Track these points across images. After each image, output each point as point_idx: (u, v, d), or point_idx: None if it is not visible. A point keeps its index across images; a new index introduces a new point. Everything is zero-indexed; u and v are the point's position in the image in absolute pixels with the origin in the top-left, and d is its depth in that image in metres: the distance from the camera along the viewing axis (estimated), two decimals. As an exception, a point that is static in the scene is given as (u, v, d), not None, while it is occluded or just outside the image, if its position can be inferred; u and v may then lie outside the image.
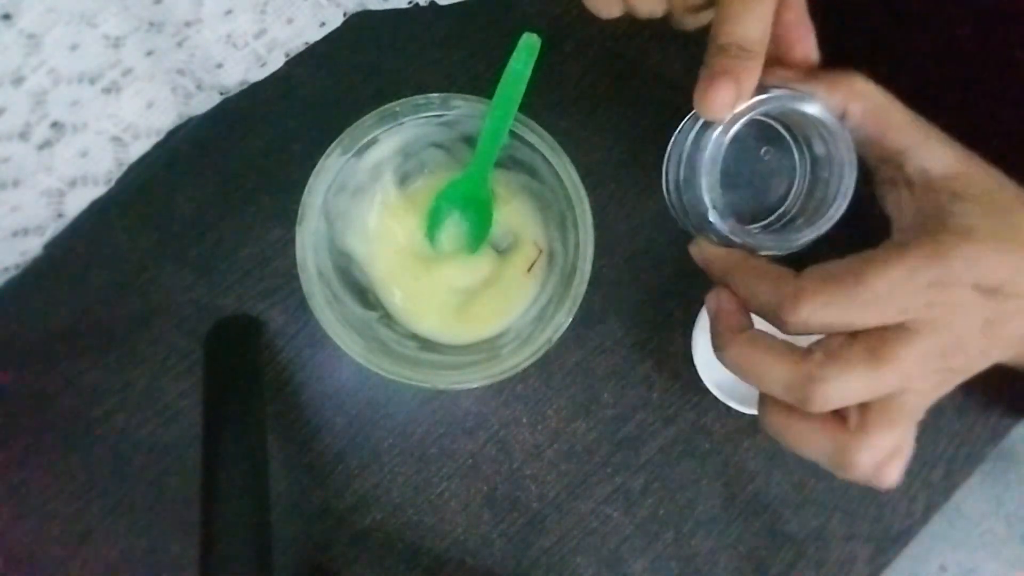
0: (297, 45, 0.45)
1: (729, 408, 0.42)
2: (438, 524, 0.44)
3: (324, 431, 0.44)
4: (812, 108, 0.31)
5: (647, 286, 0.46)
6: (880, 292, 0.29)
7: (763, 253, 0.33)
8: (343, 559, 0.44)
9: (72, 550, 0.43)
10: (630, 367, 0.45)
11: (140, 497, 0.43)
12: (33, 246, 0.43)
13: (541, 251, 0.43)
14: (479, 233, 0.42)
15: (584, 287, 0.37)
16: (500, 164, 0.42)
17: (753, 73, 0.30)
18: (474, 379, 0.37)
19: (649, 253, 0.46)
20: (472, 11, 0.47)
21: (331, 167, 0.38)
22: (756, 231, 0.34)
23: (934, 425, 0.45)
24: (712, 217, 0.32)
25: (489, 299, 0.42)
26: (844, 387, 0.29)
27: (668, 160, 0.35)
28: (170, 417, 0.44)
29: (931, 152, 0.31)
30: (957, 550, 1.17)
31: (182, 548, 0.43)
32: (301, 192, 0.38)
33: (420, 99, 0.38)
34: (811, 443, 0.30)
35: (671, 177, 0.35)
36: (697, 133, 0.33)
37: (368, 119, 0.38)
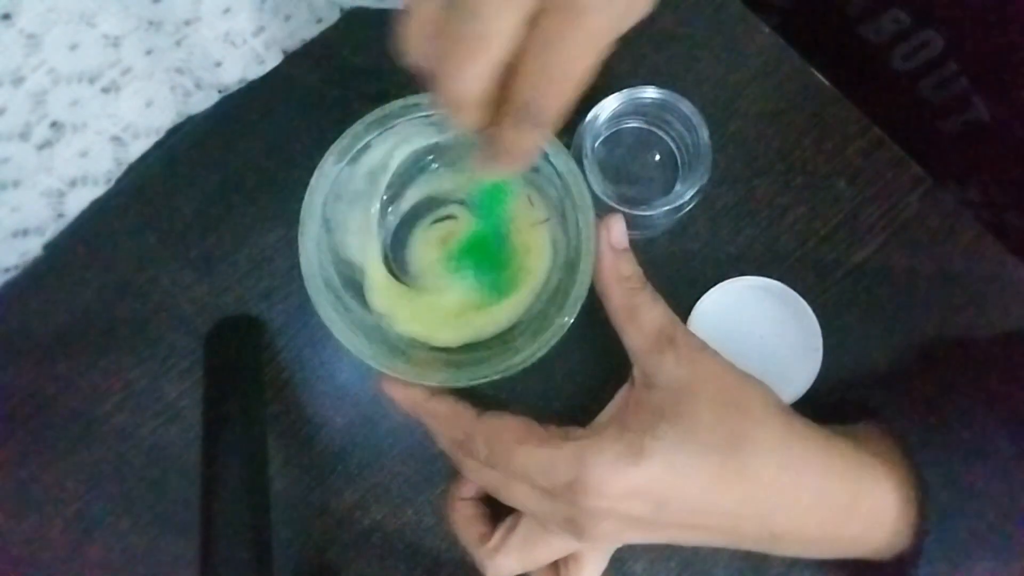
0: (295, 42, 0.45)
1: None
2: (438, 524, 0.44)
3: (324, 431, 0.44)
4: (654, 93, 0.40)
5: (647, 286, 0.46)
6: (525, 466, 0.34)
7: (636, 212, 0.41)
8: (343, 559, 0.44)
9: (72, 550, 0.43)
10: (630, 367, 0.45)
11: (140, 497, 0.43)
12: (33, 246, 0.43)
13: (547, 218, 0.42)
14: (499, 282, 0.42)
15: (592, 262, 0.37)
16: None
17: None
18: (491, 372, 0.37)
19: (648, 253, 0.46)
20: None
21: (327, 176, 0.38)
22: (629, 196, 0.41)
23: (934, 425, 0.45)
24: (590, 173, 0.40)
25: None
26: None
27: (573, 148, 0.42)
28: (170, 417, 0.44)
29: (659, 365, 0.35)
30: (957, 549, 1.17)
31: (182, 548, 0.43)
32: (301, 192, 0.38)
33: (409, 101, 0.38)
34: None
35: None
36: (587, 125, 0.41)
37: (358, 125, 0.38)
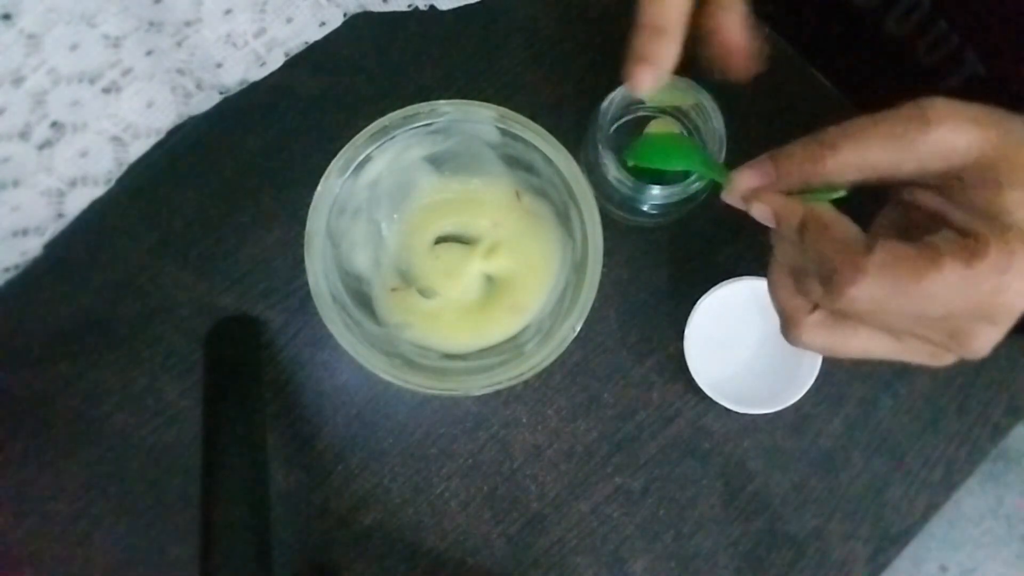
0: (297, 45, 0.45)
1: (729, 408, 0.42)
2: (438, 524, 0.44)
3: (324, 431, 0.44)
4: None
5: (647, 286, 0.46)
6: (936, 294, 0.27)
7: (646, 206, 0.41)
8: (343, 559, 0.44)
9: (72, 551, 0.43)
10: (630, 367, 0.45)
11: (140, 497, 0.43)
12: (33, 246, 0.43)
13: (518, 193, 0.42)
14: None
15: (600, 267, 0.37)
16: (494, 168, 0.42)
17: (668, 51, 0.32)
18: (503, 379, 0.37)
19: (649, 253, 0.46)
20: (472, 11, 0.47)
21: (330, 189, 0.38)
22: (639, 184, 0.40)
23: (934, 425, 0.45)
24: (605, 159, 0.39)
25: (500, 301, 0.42)
26: None
27: (587, 138, 0.41)
28: (170, 417, 0.44)
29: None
30: (957, 550, 1.17)
31: (182, 548, 0.43)
32: (302, 192, 0.38)
33: (409, 111, 0.38)
34: None
35: (590, 153, 0.40)
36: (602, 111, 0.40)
37: (360, 138, 0.38)
